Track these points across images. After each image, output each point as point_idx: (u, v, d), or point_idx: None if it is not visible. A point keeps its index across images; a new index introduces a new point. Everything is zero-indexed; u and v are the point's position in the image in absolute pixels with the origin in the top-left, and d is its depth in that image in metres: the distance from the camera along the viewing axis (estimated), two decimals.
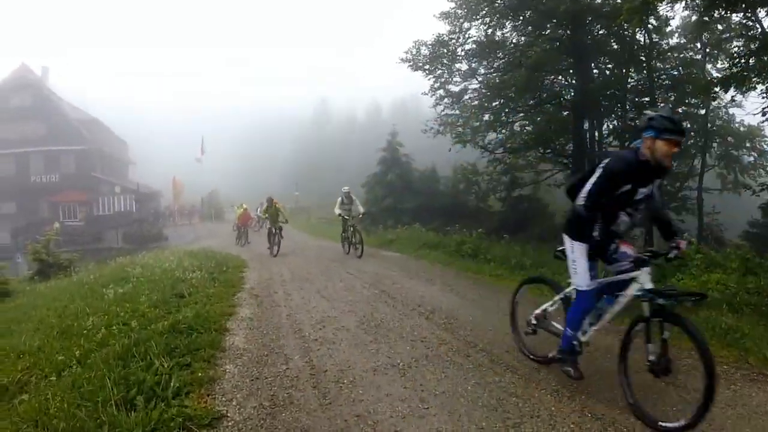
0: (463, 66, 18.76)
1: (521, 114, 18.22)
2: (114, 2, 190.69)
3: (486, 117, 18.31)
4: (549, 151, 19.32)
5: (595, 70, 19.46)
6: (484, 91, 17.96)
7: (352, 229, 14.12)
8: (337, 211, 14.34)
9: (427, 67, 18.71)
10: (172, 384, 4.01)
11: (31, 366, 4.97)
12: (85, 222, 43.98)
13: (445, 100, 19.48)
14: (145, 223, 39.78)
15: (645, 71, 19.68)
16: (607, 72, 20.54)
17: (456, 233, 17.81)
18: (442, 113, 19.73)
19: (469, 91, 19.05)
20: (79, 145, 45.72)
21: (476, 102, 18.71)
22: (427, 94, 19.59)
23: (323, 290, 8.26)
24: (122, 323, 6.22)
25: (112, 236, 37.84)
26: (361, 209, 14.85)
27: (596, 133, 21.13)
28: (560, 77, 19.59)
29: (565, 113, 17.73)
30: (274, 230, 15.40)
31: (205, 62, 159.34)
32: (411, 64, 19.18)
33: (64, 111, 47.06)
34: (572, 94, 18.83)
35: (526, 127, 20.18)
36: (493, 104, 17.75)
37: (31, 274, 15.11)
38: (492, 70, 18.02)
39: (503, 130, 19.12)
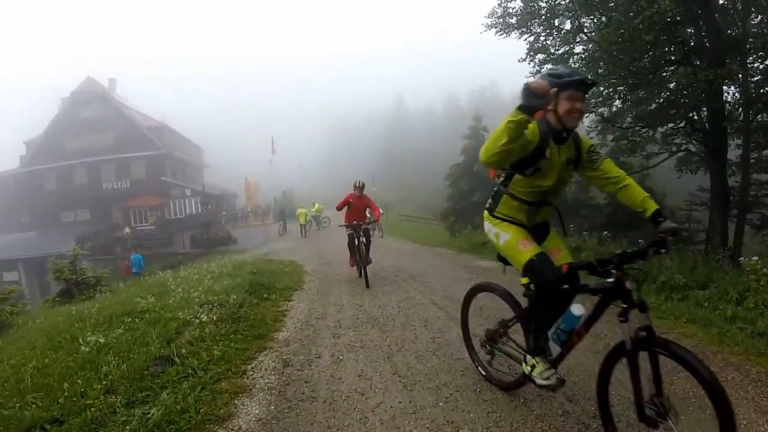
0: (566, 25, 14.95)
1: (648, 77, 14.03)
2: (181, 10, 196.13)
3: (601, 86, 14.46)
4: (681, 125, 15.12)
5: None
6: (596, 51, 13.98)
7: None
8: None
9: (518, 25, 14.97)
10: None
11: None
12: (156, 226, 43.89)
13: (547, 66, 15.64)
14: (212, 226, 38.29)
15: None
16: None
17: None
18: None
19: (575, 55, 15.16)
20: (148, 151, 46.33)
21: (584, 68, 14.78)
22: (524, 60, 15.75)
23: (398, 351, 4.95)
24: None
25: (180, 240, 36.57)
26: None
27: None
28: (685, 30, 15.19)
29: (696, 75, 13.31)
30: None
31: (279, 62, 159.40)
32: (499, 28, 15.55)
33: (132, 119, 48.01)
34: (705, 48, 14.44)
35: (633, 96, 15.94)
36: (608, 67, 13.76)
37: (54, 295, 12.93)
38: (602, 25, 13.99)
39: (628, 97, 14.98)
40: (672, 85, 14.14)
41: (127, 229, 40.24)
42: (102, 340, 5.63)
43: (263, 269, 11.06)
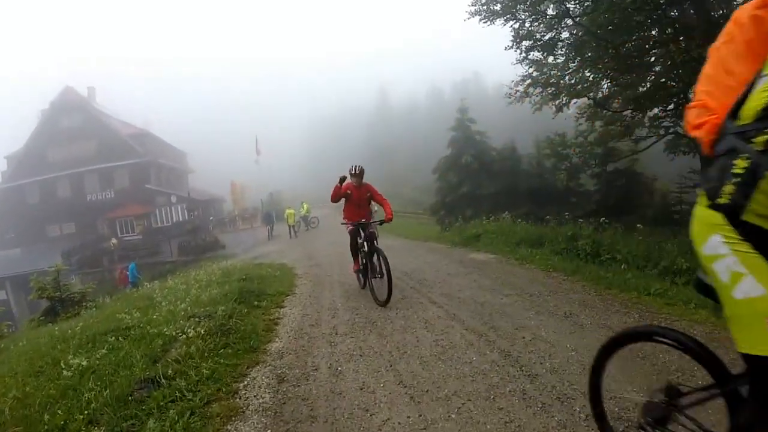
0: (550, 9, 14.67)
1: (636, 60, 13.80)
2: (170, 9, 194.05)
3: (588, 71, 14.28)
4: (669, 107, 14.96)
5: None
6: (583, 36, 13.77)
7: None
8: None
9: (502, 11, 14.68)
10: None
11: None
12: (143, 235, 43.22)
13: (533, 53, 15.37)
14: (199, 232, 37.70)
15: None
16: None
17: (554, 221, 14.21)
18: (529, 70, 15.65)
19: (561, 41, 14.91)
20: (131, 159, 45.58)
21: (572, 53, 14.57)
22: (510, 48, 15.49)
23: (400, 357, 4.63)
24: None
25: (167, 248, 36.01)
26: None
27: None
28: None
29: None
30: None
31: (267, 62, 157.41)
32: (483, 15, 15.27)
33: (113, 127, 47.28)
34: (694, 29, 14.29)
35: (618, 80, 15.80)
36: (596, 51, 13.54)
37: (38, 315, 12.46)
38: (588, 8, 13.73)
39: (618, 80, 14.71)
40: (659, 68, 14.00)
41: (114, 240, 39.59)
42: (84, 363, 5.26)
43: (253, 275, 10.67)
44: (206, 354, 5.02)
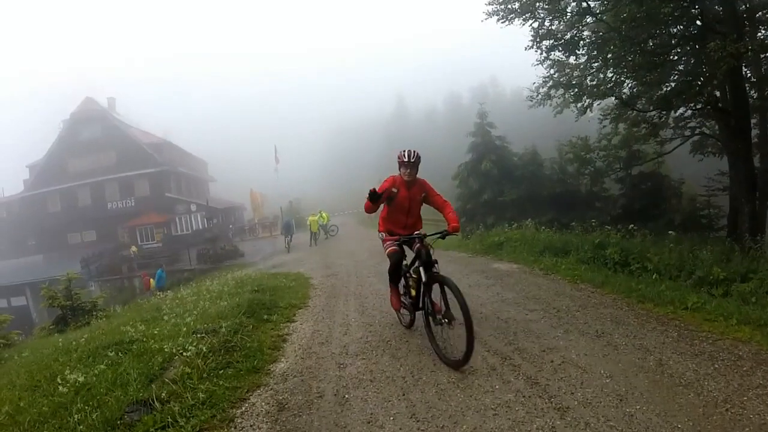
0: (570, 8, 14.18)
1: (663, 56, 13.22)
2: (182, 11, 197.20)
3: (610, 71, 13.77)
4: (697, 107, 14.35)
5: None
6: (605, 33, 13.25)
7: None
8: None
9: (521, 10, 14.19)
10: None
11: None
12: (163, 243, 43.44)
13: (554, 53, 14.87)
14: (218, 241, 37.64)
15: None
16: None
17: (579, 228, 13.72)
18: (550, 71, 15.18)
19: (583, 40, 14.39)
20: (151, 168, 45.97)
21: (594, 51, 14.04)
22: (531, 48, 14.97)
23: (414, 384, 4.20)
24: None
25: (186, 257, 36.04)
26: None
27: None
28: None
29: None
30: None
31: (280, 60, 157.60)
32: (501, 15, 14.81)
33: (133, 137, 47.75)
34: (722, 22, 13.63)
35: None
36: (619, 49, 13.02)
37: (49, 323, 12.28)
38: (611, 4, 13.17)
39: (645, 78, 14.09)
40: (681, 67, 13.52)
41: (134, 248, 39.93)
42: (81, 379, 4.98)
43: (266, 285, 10.32)
44: (205, 375, 4.67)
